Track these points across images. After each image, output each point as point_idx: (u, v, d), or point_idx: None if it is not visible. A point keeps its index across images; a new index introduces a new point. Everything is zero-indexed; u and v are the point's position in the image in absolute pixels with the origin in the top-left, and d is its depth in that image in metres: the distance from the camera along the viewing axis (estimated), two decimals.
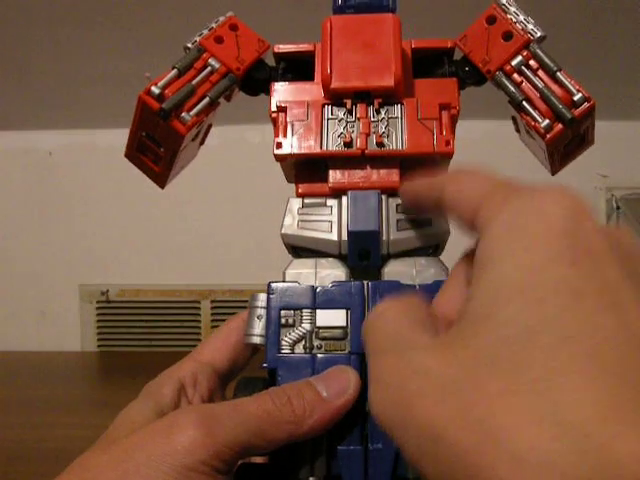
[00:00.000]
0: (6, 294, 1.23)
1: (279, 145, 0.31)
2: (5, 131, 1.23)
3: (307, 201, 0.32)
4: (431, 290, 0.29)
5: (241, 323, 0.31)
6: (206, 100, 0.33)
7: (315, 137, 0.31)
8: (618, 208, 1.22)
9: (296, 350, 0.29)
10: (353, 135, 0.31)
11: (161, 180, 0.37)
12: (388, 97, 0.32)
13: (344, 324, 0.29)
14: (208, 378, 0.30)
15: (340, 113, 0.32)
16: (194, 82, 0.33)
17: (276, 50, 0.34)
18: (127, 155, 0.36)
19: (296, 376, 0.28)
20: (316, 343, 0.29)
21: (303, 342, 0.29)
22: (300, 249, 0.31)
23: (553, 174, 0.36)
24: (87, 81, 1.02)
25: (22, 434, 0.72)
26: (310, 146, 0.31)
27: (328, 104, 0.32)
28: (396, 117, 0.32)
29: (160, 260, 1.22)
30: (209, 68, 0.33)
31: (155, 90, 0.32)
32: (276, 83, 0.33)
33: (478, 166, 0.22)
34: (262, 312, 0.30)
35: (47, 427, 0.74)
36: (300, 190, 0.32)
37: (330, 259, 0.31)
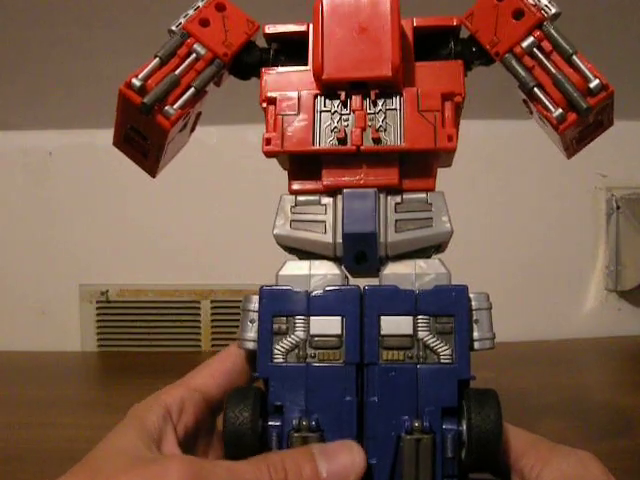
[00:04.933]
0: (6, 294, 1.23)
1: (268, 141, 0.29)
2: (5, 131, 1.23)
3: (300, 199, 0.30)
4: (431, 296, 0.28)
5: (238, 350, 0.30)
6: (191, 91, 0.30)
7: (307, 132, 0.29)
8: (618, 208, 1.22)
9: (289, 359, 0.27)
10: (347, 130, 0.29)
11: (152, 170, 0.35)
12: (386, 87, 0.29)
13: (339, 332, 0.27)
14: (195, 405, 0.29)
15: (334, 105, 0.29)
16: (178, 72, 0.30)
17: (266, 31, 0.31)
18: (115, 144, 0.35)
19: (289, 387, 0.27)
20: (310, 352, 0.27)
21: (296, 351, 0.28)
22: (294, 250, 0.30)
23: (569, 158, 0.34)
24: (87, 81, 1.02)
25: (22, 434, 0.72)
26: (301, 142, 0.29)
27: (321, 95, 0.29)
28: (394, 109, 0.29)
29: (160, 260, 1.22)
30: (194, 55, 0.31)
31: (136, 82, 0.29)
32: (266, 69, 0.31)
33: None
34: (255, 316, 0.28)
35: (47, 427, 0.74)
36: (293, 187, 0.30)
37: (325, 261, 0.29)
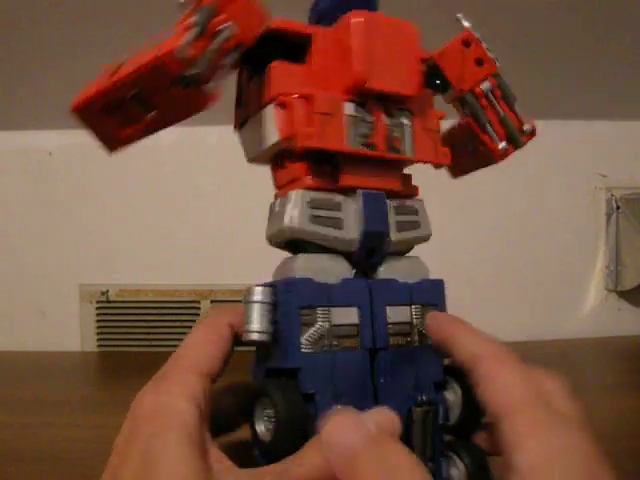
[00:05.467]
0: (6, 294, 1.23)
1: (308, 135, 0.29)
2: (5, 131, 1.23)
3: (314, 195, 0.31)
4: (421, 289, 0.32)
5: (228, 330, 0.29)
6: (224, 70, 0.29)
7: (340, 132, 0.30)
8: (618, 208, 1.22)
9: (316, 349, 0.29)
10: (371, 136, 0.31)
11: (115, 145, 0.31)
12: (403, 104, 0.32)
13: (357, 321, 0.30)
14: (210, 394, 0.27)
15: (360, 112, 0.31)
16: (214, 47, 0.28)
17: (275, 25, 0.31)
18: (79, 108, 0.30)
19: (320, 374, 0.28)
20: (333, 341, 0.29)
21: (322, 340, 0.29)
22: (307, 244, 0.31)
23: (455, 178, 0.40)
24: (87, 81, 1.02)
25: (21, 434, 0.72)
26: (337, 141, 0.30)
27: (350, 101, 0.31)
28: (406, 124, 0.32)
29: (160, 260, 1.22)
30: (224, 33, 0.28)
31: (182, 51, 0.27)
32: (279, 63, 0.31)
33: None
34: (261, 307, 0.29)
35: (46, 427, 0.74)
36: (308, 183, 0.31)
37: (335, 255, 0.31)
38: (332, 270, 0.30)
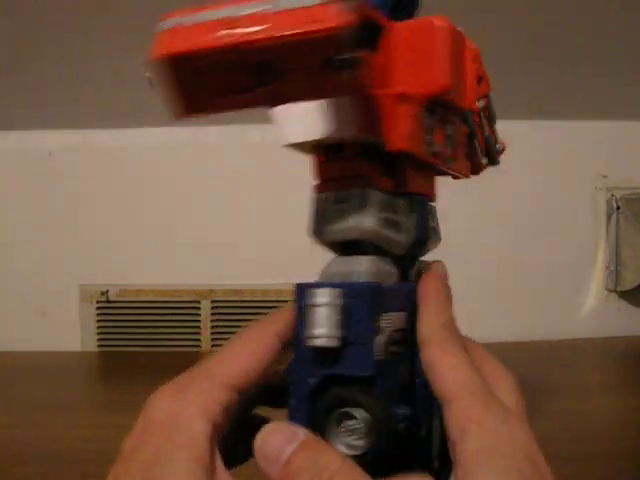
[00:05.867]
0: (6, 294, 1.23)
1: (408, 136, 0.28)
2: (5, 131, 1.23)
3: (384, 197, 0.30)
4: None
5: (276, 340, 0.28)
6: None
7: (421, 138, 0.29)
8: (618, 208, 1.22)
9: (385, 355, 0.28)
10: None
11: (189, 112, 0.26)
12: (452, 114, 0.32)
13: (405, 326, 0.29)
14: (234, 413, 0.26)
15: (429, 119, 0.30)
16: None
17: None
18: (168, 58, 0.24)
19: (389, 382, 0.28)
20: (393, 347, 0.28)
21: (387, 346, 0.28)
22: (365, 246, 0.30)
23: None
24: (87, 81, 1.02)
25: (22, 434, 0.72)
26: (421, 147, 0.29)
27: (425, 106, 0.30)
28: (453, 136, 0.32)
29: (160, 260, 1.22)
30: (351, 9, 0.24)
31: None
32: (368, 53, 0.28)
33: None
34: (329, 309, 0.27)
35: (47, 427, 0.74)
36: (382, 184, 0.30)
37: (389, 258, 0.30)
38: (389, 274, 0.30)
